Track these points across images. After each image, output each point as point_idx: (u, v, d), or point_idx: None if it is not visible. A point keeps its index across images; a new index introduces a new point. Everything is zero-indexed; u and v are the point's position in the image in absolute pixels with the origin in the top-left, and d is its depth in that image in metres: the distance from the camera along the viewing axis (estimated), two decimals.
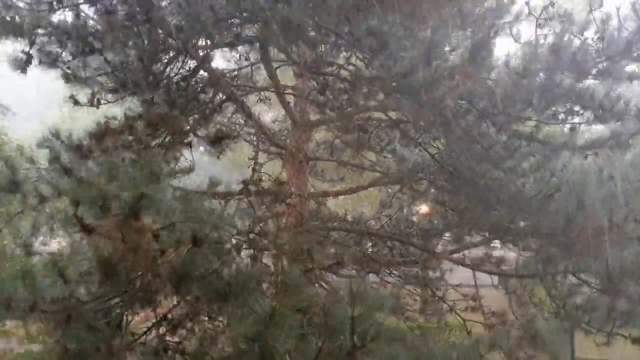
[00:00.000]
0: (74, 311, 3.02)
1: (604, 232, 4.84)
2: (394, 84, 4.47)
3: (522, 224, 6.20)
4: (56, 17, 3.97)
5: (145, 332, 4.24)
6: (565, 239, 5.34)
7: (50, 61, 4.04)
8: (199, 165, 6.31)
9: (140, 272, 2.85)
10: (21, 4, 3.84)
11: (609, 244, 4.77)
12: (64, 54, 4.06)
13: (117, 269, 2.74)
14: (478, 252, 6.97)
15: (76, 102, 4.10)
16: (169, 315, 3.86)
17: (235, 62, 7.22)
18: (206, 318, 3.76)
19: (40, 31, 3.87)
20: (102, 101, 4.31)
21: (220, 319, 3.81)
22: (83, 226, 2.61)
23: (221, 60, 7.74)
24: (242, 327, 2.89)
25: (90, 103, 4.15)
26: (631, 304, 5.18)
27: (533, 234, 5.71)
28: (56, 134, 4.22)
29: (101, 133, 3.97)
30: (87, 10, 3.98)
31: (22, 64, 3.98)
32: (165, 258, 2.74)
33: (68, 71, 4.08)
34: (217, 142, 4.64)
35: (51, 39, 3.96)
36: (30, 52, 3.94)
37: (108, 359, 3.43)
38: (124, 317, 3.72)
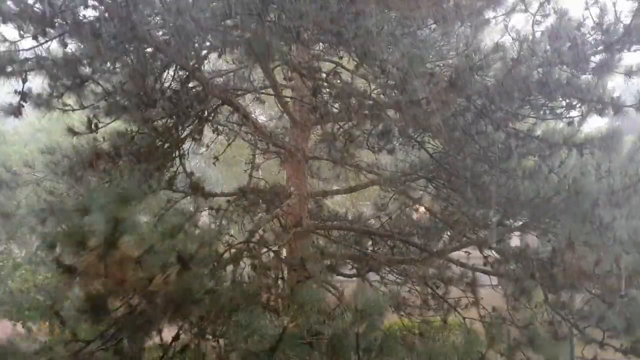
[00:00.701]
0: (80, 354, 3.03)
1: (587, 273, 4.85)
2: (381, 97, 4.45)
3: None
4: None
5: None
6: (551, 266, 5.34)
7: (44, 102, 4.04)
8: (197, 167, 6.34)
9: (133, 304, 2.84)
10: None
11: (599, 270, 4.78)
12: (55, 91, 4.05)
13: (106, 305, 2.74)
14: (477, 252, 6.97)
15: (75, 133, 4.15)
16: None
17: (232, 62, 7.20)
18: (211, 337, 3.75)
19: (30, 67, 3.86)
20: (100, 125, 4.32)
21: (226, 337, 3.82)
22: (65, 268, 2.60)
23: (218, 61, 7.73)
24: (249, 345, 2.91)
25: (89, 130, 4.18)
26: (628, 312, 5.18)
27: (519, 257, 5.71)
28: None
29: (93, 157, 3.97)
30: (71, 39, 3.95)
31: (15, 108, 4.00)
32: (155, 284, 2.72)
33: (65, 109, 4.09)
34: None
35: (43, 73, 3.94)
36: (24, 90, 3.94)
37: None
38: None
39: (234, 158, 9.65)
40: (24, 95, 3.95)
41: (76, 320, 2.90)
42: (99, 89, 4.28)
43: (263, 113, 10.65)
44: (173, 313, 2.93)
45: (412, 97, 3.88)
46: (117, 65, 3.93)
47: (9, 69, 3.79)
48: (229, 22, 4.63)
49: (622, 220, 5.95)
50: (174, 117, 4.87)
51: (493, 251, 6.38)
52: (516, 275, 5.48)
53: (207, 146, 6.09)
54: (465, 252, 6.92)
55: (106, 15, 3.44)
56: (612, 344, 5.56)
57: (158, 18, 3.99)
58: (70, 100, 4.37)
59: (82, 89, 4.14)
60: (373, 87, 5.42)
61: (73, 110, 4.21)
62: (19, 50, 3.75)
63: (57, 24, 3.51)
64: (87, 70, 3.90)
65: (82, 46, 3.87)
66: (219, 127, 7.31)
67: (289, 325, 2.93)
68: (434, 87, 4.17)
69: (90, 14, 3.64)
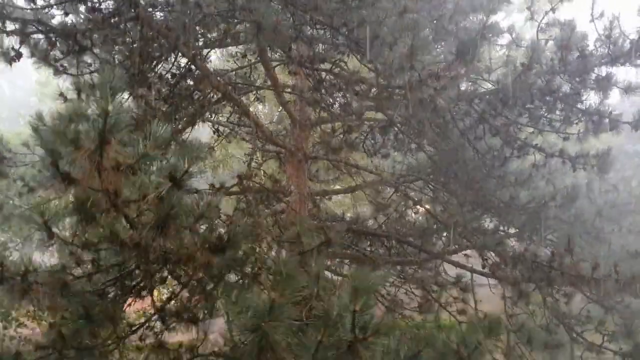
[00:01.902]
0: (66, 287, 3.03)
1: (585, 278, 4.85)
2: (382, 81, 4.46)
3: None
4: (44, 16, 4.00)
5: (142, 324, 4.27)
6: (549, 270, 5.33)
7: (41, 56, 4.06)
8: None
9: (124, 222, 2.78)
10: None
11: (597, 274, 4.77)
12: (52, 52, 4.09)
13: (96, 217, 2.70)
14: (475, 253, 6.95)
15: (65, 99, 4.15)
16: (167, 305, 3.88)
17: (234, 62, 7.26)
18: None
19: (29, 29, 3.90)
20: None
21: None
22: (61, 174, 2.49)
23: (219, 60, 7.80)
24: (242, 319, 2.86)
25: (79, 97, 4.18)
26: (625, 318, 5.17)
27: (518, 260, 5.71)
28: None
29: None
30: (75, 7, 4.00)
31: (10, 57, 4.01)
32: (148, 202, 2.64)
33: (59, 68, 4.11)
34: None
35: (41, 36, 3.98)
36: (20, 49, 3.98)
37: (104, 347, 3.45)
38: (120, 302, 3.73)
39: (233, 157, 9.70)
40: (19, 54, 3.97)
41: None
42: (95, 60, 4.28)
43: (263, 114, 10.71)
44: (159, 231, 2.82)
45: (421, 74, 3.84)
46: (117, 42, 3.95)
47: (9, 26, 3.82)
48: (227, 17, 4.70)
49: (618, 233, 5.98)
50: (170, 104, 4.88)
51: (492, 254, 6.36)
52: (515, 278, 5.46)
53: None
54: (465, 255, 6.90)
55: None
56: (611, 347, 5.54)
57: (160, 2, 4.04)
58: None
59: (80, 55, 4.15)
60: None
61: (67, 73, 4.21)
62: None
63: None
64: (86, 42, 3.92)
65: (80, 18, 3.91)
66: (219, 127, 7.39)
67: (278, 299, 2.86)
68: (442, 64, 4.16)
69: None
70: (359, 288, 2.78)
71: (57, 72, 4.21)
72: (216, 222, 3.55)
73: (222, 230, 3.34)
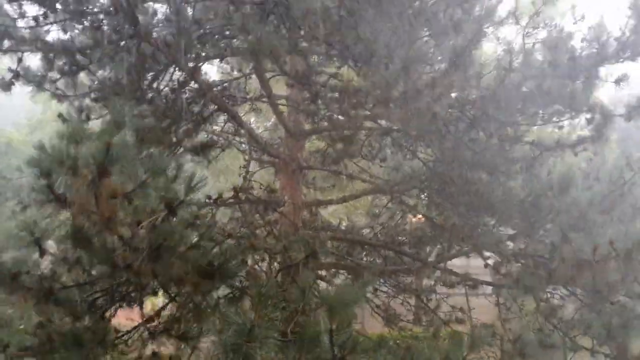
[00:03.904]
0: (55, 294, 3.00)
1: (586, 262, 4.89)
2: (378, 92, 4.50)
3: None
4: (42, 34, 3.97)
5: (129, 331, 4.22)
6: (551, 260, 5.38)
7: (38, 82, 4.04)
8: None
9: (118, 246, 2.77)
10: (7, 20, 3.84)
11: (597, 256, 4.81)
12: (50, 73, 4.06)
13: (92, 240, 2.69)
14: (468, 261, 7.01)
15: (65, 120, 4.11)
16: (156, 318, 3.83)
17: (228, 73, 7.26)
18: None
19: (27, 47, 3.87)
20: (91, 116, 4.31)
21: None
22: (56, 197, 2.53)
23: (214, 71, 7.80)
24: (223, 337, 2.86)
25: (79, 119, 4.16)
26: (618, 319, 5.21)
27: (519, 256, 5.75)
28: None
29: None
30: (73, 25, 3.98)
31: (6, 84, 3.98)
32: (143, 228, 2.64)
33: (57, 92, 4.08)
34: (204, 150, 4.62)
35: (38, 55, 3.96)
36: (18, 69, 3.94)
37: (90, 352, 3.39)
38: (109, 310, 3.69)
39: (227, 168, 9.67)
40: (17, 74, 3.93)
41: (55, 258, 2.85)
42: (94, 79, 4.27)
43: (258, 124, 10.70)
44: (151, 259, 2.82)
45: (417, 84, 3.88)
46: (116, 59, 3.93)
47: (6, 44, 3.78)
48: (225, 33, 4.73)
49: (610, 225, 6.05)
50: (169, 118, 4.87)
51: (492, 253, 6.40)
52: (517, 273, 5.49)
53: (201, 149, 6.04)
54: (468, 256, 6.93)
55: (110, 8, 3.47)
56: (602, 351, 5.57)
57: (160, 16, 4.03)
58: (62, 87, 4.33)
59: (77, 76, 4.13)
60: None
61: (64, 95, 4.19)
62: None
63: (59, 9, 3.52)
64: (83, 59, 3.89)
65: (81, 35, 3.89)
66: (214, 136, 7.35)
67: (258, 319, 2.88)
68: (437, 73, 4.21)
69: (93, 4, 3.67)
70: (335, 307, 2.81)
71: (54, 96, 4.18)
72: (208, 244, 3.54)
73: (214, 254, 3.31)
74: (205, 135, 6.48)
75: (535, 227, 5.72)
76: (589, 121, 5.80)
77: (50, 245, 3.17)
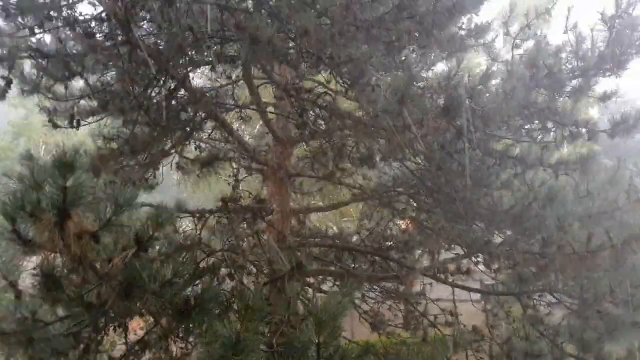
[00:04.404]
0: (36, 334, 2.97)
1: (580, 254, 4.95)
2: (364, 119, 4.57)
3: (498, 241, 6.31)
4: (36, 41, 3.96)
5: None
6: (541, 258, 5.44)
7: (32, 89, 4.03)
8: (169, 183, 6.30)
9: (92, 286, 2.76)
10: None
11: (585, 266, 4.89)
12: (44, 79, 4.05)
13: (61, 283, 2.68)
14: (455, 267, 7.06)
15: (55, 126, 4.11)
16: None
17: (217, 80, 7.25)
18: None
19: (21, 54, 3.86)
20: (82, 123, 4.30)
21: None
22: (23, 241, 2.52)
23: (202, 78, 7.79)
24: (210, 351, 2.85)
25: (70, 125, 4.15)
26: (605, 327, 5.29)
27: (509, 253, 5.80)
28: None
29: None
30: (67, 33, 3.97)
31: (2, 90, 3.96)
32: (112, 265, 2.64)
33: (50, 97, 4.07)
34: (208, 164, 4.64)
35: (32, 63, 3.95)
36: (11, 77, 3.92)
37: None
38: (93, 342, 3.65)
39: (216, 176, 9.63)
40: (10, 82, 3.90)
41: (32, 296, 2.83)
42: (86, 87, 4.27)
43: (246, 131, 10.69)
44: (123, 297, 2.81)
45: (406, 121, 3.96)
46: (108, 66, 3.93)
47: None
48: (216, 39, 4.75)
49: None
50: (159, 127, 4.87)
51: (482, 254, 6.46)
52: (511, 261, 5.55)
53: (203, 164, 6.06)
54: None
55: (104, 15, 3.48)
56: (588, 359, 5.65)
57: (151, 24, 4.04)
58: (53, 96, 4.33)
59: (70, 83, 4.12)
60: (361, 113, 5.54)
61: (57, 100, 4.18)
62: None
63: (54, 18, 3.52)
64: (77, 67, 3.89)
65: (74, 43, 3.89)
66: (201, 144, 7.34)
67: (244, 332, 2.88)
68: (428, 114, 4.31)
69: (86, 11, 3.68)
70: (323, 318, 2.84)
71: (47, 99, 4.17)
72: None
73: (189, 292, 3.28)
74: (196, 144, 6.48)
75: (525, 235, 5.79)
76: (573, 137, 5.89)
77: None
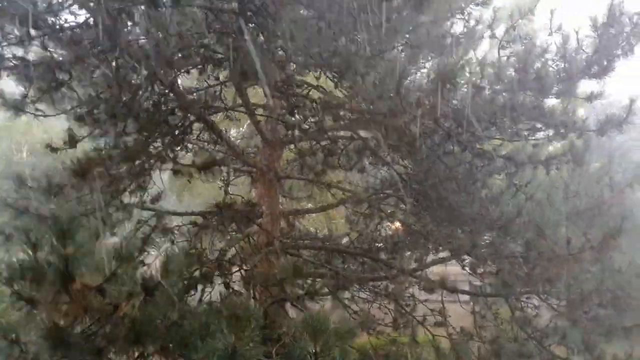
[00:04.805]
0: None
1: (565, 257, 5.00)
2: (362, 106, 4.54)
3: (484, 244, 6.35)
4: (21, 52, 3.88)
5: None
6: (526, 261, 5.48)
7: (18, 104, 3.96)
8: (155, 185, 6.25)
9: (95, 330, 2.74)
10: None
11: (570, 268, 4.93)
12: (31, 91, 3.99)
13: (71, 335, 2.65)
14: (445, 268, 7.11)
15: (53, 150, 4.07)
16: None
17: (204, 81, 7.20)
18: None
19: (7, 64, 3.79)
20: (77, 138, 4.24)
21: None
22: (26, 300, 2.55)
23: (190, 79, 7.72)
24: None
25: (70, 145, 4.11)
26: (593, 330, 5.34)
27: (494, 257, 5.85)
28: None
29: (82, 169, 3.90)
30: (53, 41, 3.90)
31: None
32: (119, 312, 2.65)
33: (36, 113, 4.01)
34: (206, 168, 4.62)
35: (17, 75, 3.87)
36: None
37: None
38: None
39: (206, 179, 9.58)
40: None
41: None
42: (74, 95, 4.21)
43: (235, 133, 10.65)
44: (132, 344, 2.83)
45: (403, 102, 3.94)
46: (95, 74, 3.88)
47: None
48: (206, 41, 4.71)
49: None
50: (148, 132, 4.83)
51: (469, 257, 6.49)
52: (496, 269, 5.58)
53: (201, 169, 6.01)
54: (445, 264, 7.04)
55: (90, 21, 3.42)
56: None
57: (138, 29, 3.99)
58: (43, 106, 4.28)
59: (57, 93, 4.07)
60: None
61: (45, 116, 4.12)
62: None
63: (39, 26, 3.46)
64: (63, 76, 3.83)
65: (61, 51, 3.82)
66: (189, 144, 7.28)
67: (237, 342, 2.89)
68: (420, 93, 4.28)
69: (72, 19, 3.63)
70: (318, 329, 2.85)
71: (35, 116, 4.10)
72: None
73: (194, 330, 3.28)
74: (186, 147, 6.43)
75: (511, 237, 5.83)
76: (562, 136, 5.92)
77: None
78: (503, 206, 5.89)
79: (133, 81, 4.13)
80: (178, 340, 3.04)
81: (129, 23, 3.71)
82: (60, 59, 3.84)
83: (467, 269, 6.78)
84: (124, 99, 4.07)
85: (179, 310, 2.98)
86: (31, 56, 3.83)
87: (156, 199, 6.11)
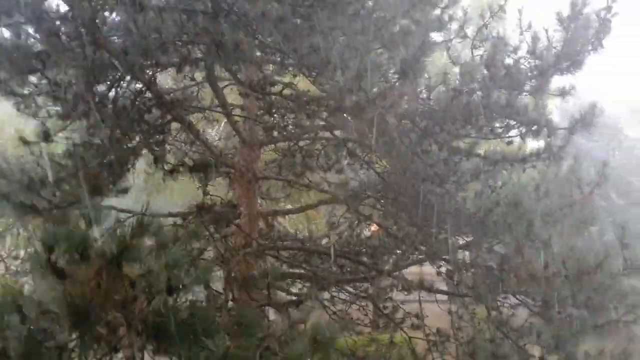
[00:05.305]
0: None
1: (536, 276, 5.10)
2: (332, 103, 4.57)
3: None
4: None
5: None
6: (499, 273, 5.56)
7: None
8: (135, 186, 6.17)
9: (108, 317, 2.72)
10: None
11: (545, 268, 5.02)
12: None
13: (89, 315, 2.62)
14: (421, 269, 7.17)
15: (25, 142, 3.99)
16: None
17: (181, 81, 7.16)
18: None
19: None
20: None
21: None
22: (56, 271, 2.50)
23: (167, 79, 7.68)
24: None
25: (43, 139, 4.03)
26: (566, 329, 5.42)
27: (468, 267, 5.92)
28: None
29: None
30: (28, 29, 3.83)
31: None
32: (137, 306, 2.64)
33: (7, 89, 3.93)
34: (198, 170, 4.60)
35: None
36: None
37: None
38: None
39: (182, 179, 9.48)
40: None
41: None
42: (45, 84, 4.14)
43: (212, 133, 10.58)
44: (148, 338, 2.81)
45: (369, 95, 3.97)
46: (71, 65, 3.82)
47: None
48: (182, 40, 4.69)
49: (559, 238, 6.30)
50: (122, 129, 4.77)
51: (445, 262, 6.55)
52: (472, 281, 5.64)
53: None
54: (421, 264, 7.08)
55: (69, 14, 3.38)
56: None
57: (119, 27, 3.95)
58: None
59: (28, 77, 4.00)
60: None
61: (15, 95, 4.04)
62: None
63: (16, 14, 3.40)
64: (37, 64, 3.76)
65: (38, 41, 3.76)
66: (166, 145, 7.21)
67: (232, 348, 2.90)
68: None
69: (50, 9, 3.56)
70: (318, 340, 2.87)
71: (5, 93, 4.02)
72: None
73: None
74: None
75: (487, 239, 5.90)
76: (534, 134, 6.02)
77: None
78: (479, 200, 5.95)
79: (109, 76, 4.11)
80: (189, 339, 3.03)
81: (108, 17, 3.69)
82: (35, 48, 3.76)
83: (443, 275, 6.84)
84: (98, 91, 4.02)
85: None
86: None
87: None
